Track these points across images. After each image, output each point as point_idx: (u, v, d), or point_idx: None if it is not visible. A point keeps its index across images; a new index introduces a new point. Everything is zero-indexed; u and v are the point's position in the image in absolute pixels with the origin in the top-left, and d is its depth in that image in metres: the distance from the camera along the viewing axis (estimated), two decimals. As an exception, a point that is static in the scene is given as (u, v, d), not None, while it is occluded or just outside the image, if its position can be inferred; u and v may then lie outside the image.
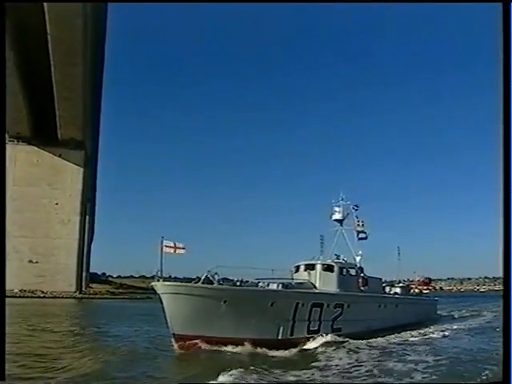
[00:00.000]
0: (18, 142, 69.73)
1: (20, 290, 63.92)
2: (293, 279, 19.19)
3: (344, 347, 15.26)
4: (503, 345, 7.45)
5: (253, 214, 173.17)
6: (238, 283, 16.19)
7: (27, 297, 61.41)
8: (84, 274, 73.64)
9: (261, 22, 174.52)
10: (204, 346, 14.47)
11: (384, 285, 26.30)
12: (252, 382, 10.14)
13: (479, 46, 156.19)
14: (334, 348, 15.15)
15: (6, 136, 69.84)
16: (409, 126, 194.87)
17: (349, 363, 12.61)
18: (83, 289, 71.71)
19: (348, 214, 23.70)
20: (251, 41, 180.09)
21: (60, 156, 69.84)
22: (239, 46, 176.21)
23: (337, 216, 23.39)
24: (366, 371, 11.55)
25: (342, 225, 23.48)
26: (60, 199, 69.42)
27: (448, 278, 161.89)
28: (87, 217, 73.62)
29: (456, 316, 33.61)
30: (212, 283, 15.10)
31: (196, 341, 14.56)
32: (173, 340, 14.75)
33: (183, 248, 15.66)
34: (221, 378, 10.01)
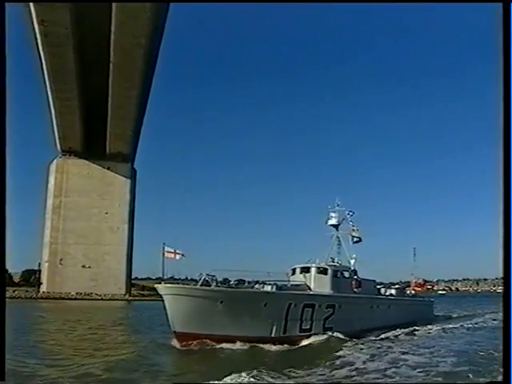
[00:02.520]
0: (70, 155, 75.28)
1: (76, 293, 69.43)
2: (289, 281, 20.26)
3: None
4: (503, 345, 7.38)
5: (254, 220, 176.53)
6: (234, 285, 17.47)
7: (84, 299, 66.81)
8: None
9: (257, 23, 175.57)
10: (202, 342, 15.65)
11: (380, 286, 27.36)
12: (252, 381, 10.50)
13: (479, 46, 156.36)
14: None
15: (59, 150, 75.96)
16: (409, 128, 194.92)
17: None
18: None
19: (343, 219, 24.56)
20: (251, 41, 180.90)
21: (108, 168, 75.15)
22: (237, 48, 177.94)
23: (333, 221, 24.27)
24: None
25: (337, 229, 24.36)
26: (109, 209, 74.76)
27: (464, 279, 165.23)
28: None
29: (453, 316, 34.58)
30: (210, 285, 16.17)
31: (195, 338, 15.71)
32: (174, 337, 16.00)
33: (182, 254, 17.32)
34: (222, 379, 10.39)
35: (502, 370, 7.54)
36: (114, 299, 67.84)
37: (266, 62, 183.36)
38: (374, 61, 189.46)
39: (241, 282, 18.49)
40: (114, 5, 48.09)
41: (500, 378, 7.90)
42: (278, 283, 18.46)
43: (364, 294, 22.24)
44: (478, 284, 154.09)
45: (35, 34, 52.33)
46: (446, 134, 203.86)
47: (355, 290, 21.73)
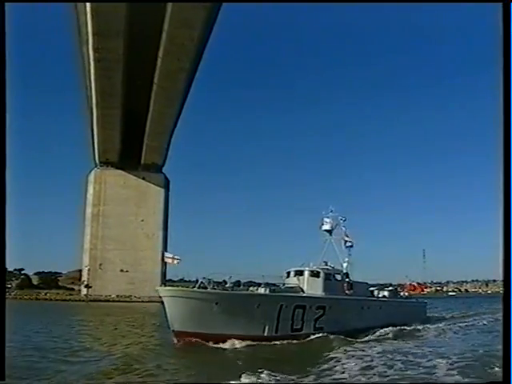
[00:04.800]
0: (107, 166, 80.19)
1: (116, 296, 74.18)
2: (284, 284, 21.39)
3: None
4: (503, 345, 7.42)
5: (252, 224, 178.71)
6: (229, 287, 18.56)
7: (124, 301, 71.30)
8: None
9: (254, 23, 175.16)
10: (199, 340, 16.73)
11: (373, 288, 28.30)
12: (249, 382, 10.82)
13: (479, 46, 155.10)
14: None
15: (97, 161, 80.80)
16: (407, 130, 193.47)
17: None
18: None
19: (337, 224, 25.54)
20: (252, 41, 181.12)
21: (143, 179, 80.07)
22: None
23: (326, 226, 25.22)
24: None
25: (331, 234, 25.31)
26: (145, 216, 79.63)
27: (473, 280, 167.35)
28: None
29: (446, 317, 35.15)
30: (206, 288, 17.33)
31: (192, 336, 16.82)
32: (172, 335, 17.18)
33: (179, 259, 19.00)
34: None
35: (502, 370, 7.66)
36: (150, 301, 72.18)
37: (266, 66, 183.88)
38: (369, 63, 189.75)
39: (236, 283, 19.53)
40: (164, 33, 52.71)
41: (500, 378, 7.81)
42: (273, 285, 19.77)
43: (356, 295, 23.26)
44: (487, 285, 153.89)
45: (88, 58, 57.06)
46: (449, 134, 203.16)
47: (347, 291, 22.72)
